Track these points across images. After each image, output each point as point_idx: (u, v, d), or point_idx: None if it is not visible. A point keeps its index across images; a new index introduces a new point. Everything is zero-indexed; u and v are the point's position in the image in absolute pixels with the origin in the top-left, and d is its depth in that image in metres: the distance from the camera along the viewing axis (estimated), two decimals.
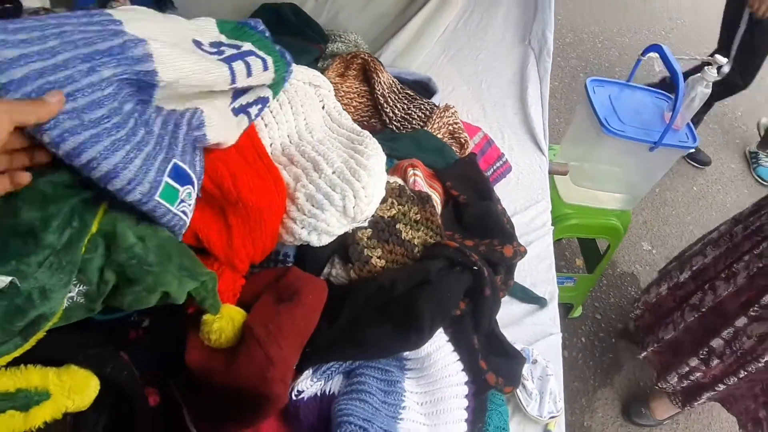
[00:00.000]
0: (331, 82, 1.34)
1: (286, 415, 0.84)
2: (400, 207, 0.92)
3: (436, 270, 0.87)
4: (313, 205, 0.84)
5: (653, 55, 1.88)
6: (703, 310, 1.92)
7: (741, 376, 1.83)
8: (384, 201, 0.92)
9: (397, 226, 0.91)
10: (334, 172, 0.87)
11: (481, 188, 1.14)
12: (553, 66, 3.65)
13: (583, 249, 2.64)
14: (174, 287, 0.69)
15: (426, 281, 0.86)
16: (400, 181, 1.00)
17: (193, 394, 0.82)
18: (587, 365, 2.46)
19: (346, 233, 0.88)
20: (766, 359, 1.75)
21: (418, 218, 0.94)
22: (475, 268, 0.90)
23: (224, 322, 0.78)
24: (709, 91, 1.87)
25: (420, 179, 1.06)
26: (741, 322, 1.78)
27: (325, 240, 0.84)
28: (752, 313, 1.75)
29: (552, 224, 2.01)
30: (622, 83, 2.06)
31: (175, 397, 0.83)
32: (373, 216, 0.89)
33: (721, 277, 1.87)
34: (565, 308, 2.54)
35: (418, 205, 0.95)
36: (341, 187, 0.84)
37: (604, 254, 2.27)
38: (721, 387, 1.90)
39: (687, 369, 1.98)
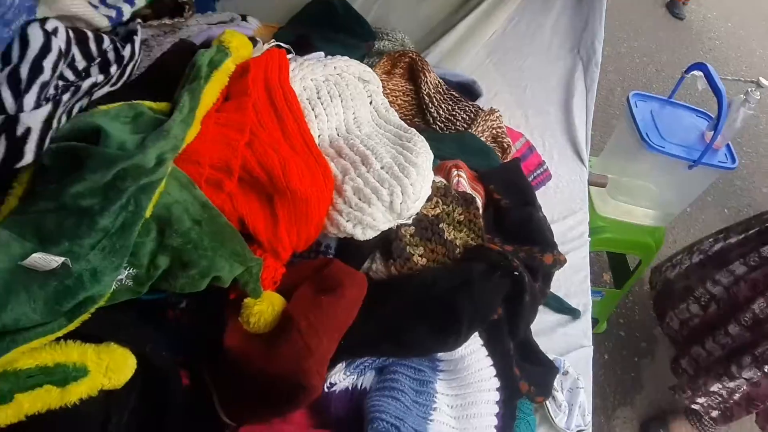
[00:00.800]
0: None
1: (316, 406, 0.84)
2: (445, 207, 0.92)
3: (477, 272, 0.86)
4: (360, 199, 0.83)
5: (697, 73, 1.85)
6: (709, 254, 2.01)
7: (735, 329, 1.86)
8: (429, 200, 0.91)
9: (441, 225, 0.90)
10: (382, 167, 0.86)
11: (525, 194, 1.13)
12: None
13: (612, 263, 2.60)
14: (226, 272, 0.70)
15: (467, 283, 0.85)
16: (445, 181, 0.99)
17: (224, 379, 0.82)
18: (608, 382, 2.42)
19: (389, 229, 0.88)
20: (752, 306, 1.79)
21: (462, 219, 0.93)
22: (516, 273, 0.89)
23: (264, 305, 0.78)
24: (752, 113, 1.84)
25: (464, 180, 1.05)
26: (740, 270, 1.84)
27: (370, 234, 0.84)
28: (751, 263, 1.81)
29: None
30: (663, 99, 2.03)
31: (203, 381, 0.82)
32: (417, 214, 0.89)
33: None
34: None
35: (462, 206, 0.94)
36: (389, 182, 0.84)
37: (634, 270, 2.24)
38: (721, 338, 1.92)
39: (688, 315, 2.03)
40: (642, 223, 2.06)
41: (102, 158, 0.64)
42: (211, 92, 0.83)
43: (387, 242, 0.88)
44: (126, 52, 0.90)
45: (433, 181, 0.94)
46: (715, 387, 1.91)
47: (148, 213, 0.66)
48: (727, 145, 1.93)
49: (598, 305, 2.35)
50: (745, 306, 1.81)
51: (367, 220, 0.82)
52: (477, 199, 1.04)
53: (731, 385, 1.89)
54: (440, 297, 0.85)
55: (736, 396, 1.92)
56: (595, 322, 2.47)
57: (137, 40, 0.94)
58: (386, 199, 0.82)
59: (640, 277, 2.38)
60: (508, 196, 1.11)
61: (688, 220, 3.18)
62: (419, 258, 0.87)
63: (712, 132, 1.77)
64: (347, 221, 0.83)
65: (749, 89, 1.80)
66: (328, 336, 0.77)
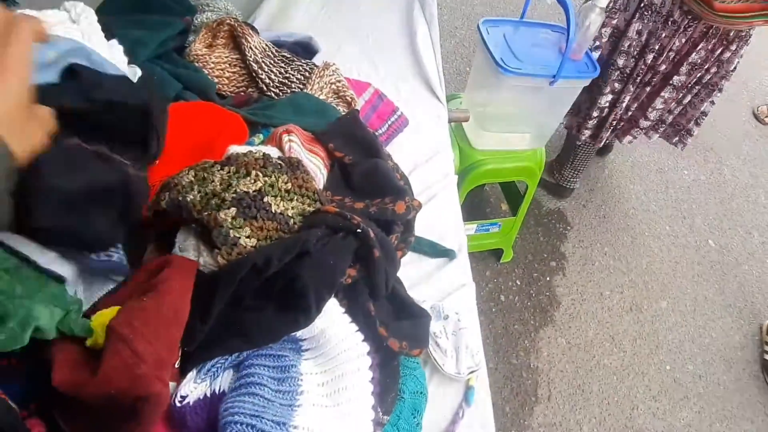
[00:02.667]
0: (198, 54, 1.24)
1: (173, 423, 0.76)
2: (266, 179, 0.84)
3: (314, 239, 0.80)
4: None
5: None
6: None
7: None
8: (247, 174, 0.83)
9: (266, 199, 0.82)
10: None
11: (368, 145, 1.07)
12: (458, 15, 3.57)
13: (506, 193, 2.62)
14: (47, 319, 0.65)
15: (305, 253, 0.79)
16: (266, 150, 0.91)
17: (77, 419, 0.73)
18: (525, 307, 2.46)
19: (207, 216, 0.79)
20: None
21: (289, 187, 0.86)
22: (359, 230, 0.83)
23: (108, 312, 0.71)
24: (602, 17, 1.84)
25: (296, 145, 0.98)
26: None
27: None
28: None
29: (466, 173, 1.97)
30: (516, 21, 2.00)
31: (59, 426, 0.73)
32: (236, 193, 0.81)
33: None
34: (496, 254, 2.53)
35: (287, 173, 0.87)
36: None
37: (524, 195, 2.25)
38: None
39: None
40: (519, 149, 2.06)
41: None
42: None
43: (206, 232, 0.80)
44: None
45: (250, 152, 0.86)
46: None
47: None
48: (588, 55, 1.94)
49: (498, 236, 2.36)
50: None
51: None
52: (313, 160, 0.98)
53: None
54: (279, 274, 0.78)
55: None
56: (500, 253, 2.49)
57: None
58: None
59: (536, 199, 2.40)
60: (350, 152, 1.05)
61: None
62: (247, 240, 0.80)
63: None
64: None
65: None
66: (158, 336, 0.68)
